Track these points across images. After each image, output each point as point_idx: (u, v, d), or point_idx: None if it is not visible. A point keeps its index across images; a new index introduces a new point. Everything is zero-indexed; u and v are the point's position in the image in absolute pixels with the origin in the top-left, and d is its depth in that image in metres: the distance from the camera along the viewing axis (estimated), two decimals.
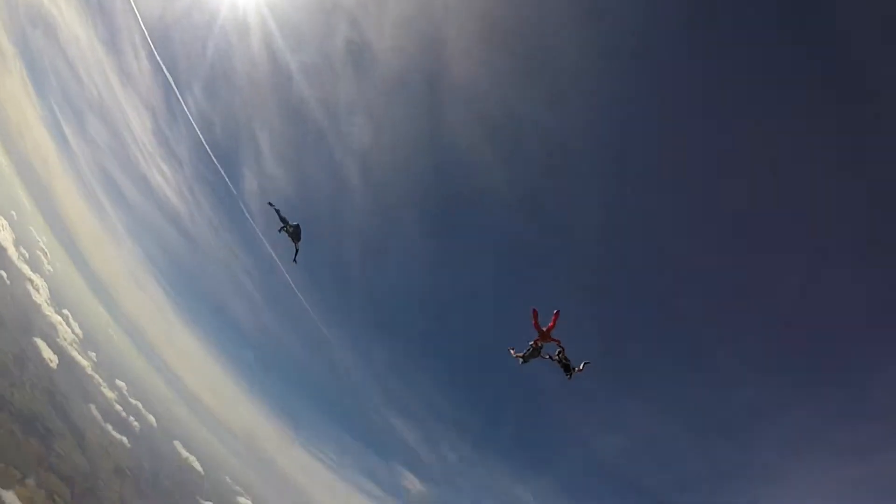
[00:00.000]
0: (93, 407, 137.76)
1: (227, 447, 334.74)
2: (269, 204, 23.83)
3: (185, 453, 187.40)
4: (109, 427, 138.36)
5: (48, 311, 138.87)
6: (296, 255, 24.48)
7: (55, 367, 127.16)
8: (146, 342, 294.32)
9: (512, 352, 22.99)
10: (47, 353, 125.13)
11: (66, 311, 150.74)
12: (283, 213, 23.75)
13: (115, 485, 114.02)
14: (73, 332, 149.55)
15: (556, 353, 22.23)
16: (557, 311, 21.18)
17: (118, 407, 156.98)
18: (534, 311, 21.23)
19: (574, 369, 22.11)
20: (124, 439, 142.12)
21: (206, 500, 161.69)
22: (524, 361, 22.65)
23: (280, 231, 24.00)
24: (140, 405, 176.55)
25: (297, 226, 23.90)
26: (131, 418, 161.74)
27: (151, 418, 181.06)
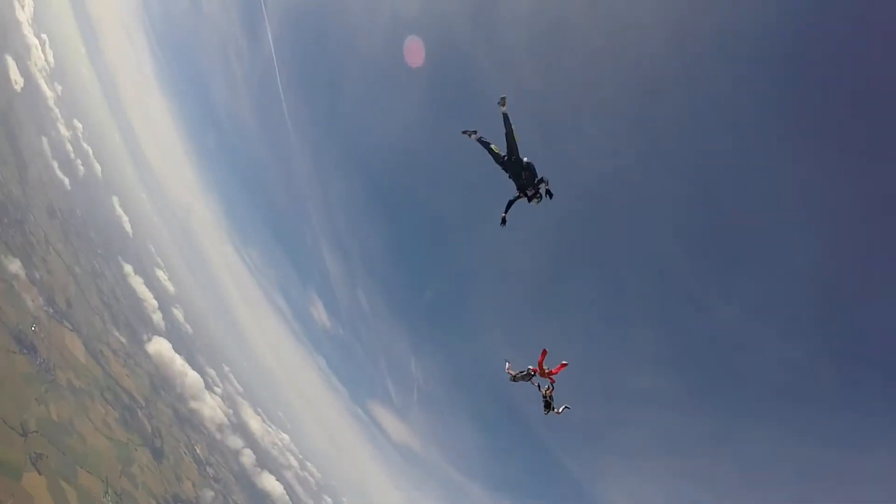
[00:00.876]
0: (45, 140, 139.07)
1: (161, 218, 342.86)
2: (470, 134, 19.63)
3: (119, 211, 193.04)
4: (55, 165, 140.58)
5: (28, 31, 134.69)
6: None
7: (19, 90, 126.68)
8: (116, 92, 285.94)
9: (507, 366, 23.83)
10: (14, 75, 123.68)
11: (44, 36, 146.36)
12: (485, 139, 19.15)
13: (44, 223, 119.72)
14: (46, 59, 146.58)
15: (546, 388, 22.88)
16: (566, 364, 22.50)
17: (69, 147, 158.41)
18: (544, 351, 22.29)
19: (554, 409, 22.80)
20: (66, 181, 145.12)
21: (128, 262, 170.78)
22: (513, 379, 23.49)
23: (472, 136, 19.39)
24: (91, 151, 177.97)
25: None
26: (79, 162, 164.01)
27: (98, 167, 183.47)
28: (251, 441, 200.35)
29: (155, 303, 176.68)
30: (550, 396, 22.69)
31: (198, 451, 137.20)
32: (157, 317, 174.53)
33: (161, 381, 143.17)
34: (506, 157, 18.93)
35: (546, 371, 22.46)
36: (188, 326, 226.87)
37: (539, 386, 22.90)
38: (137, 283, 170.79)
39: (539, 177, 19.10)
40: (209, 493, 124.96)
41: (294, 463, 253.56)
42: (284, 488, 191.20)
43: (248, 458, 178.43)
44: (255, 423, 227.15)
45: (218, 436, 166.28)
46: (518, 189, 19.33)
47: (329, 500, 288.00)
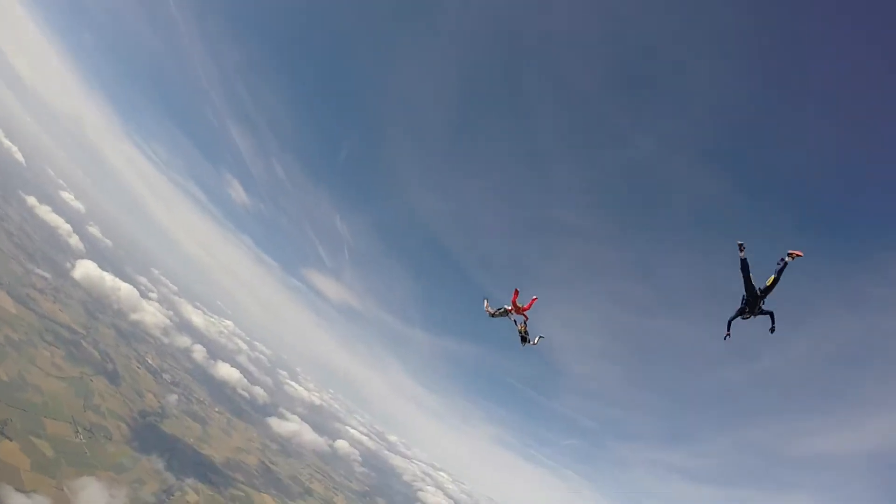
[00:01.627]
0: None
1: (52, 137, 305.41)
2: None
3: (6, 142, 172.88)
4: None
5: None
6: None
7: None
8: None
9: (486, 304, 24.95)
10: None
11: None
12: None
13: None
14: None
15: (521, 324, 24.15)
16: (535, 298, 23.68)
17: None
18: (516, 291, 23.46)
19: (529, 341, 24.20)
20: None
21: (29, 194, 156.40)
22: (491, 316, 24.81)
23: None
24: None
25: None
26: None
27: None
28: (198, 336, 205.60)
29: (68, 227, 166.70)
30: (525, 331, 24.25)
31: (150, 361, 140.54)
32: (74, 240, 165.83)
33: (96, 304, 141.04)
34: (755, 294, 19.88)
35: (520, 308, 23.90)
36: (108, 241, 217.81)
37: (515, 321, 24.38)
38: (45, 212, 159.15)
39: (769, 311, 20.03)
40: (172, 398, 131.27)
41: (243, 346, 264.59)
42: (240, 372, 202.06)
43: (199, 353, 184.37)
44: (197, 318, 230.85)
45: (165, 340, 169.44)
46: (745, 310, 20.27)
47: (284, 372, 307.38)
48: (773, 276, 19.21)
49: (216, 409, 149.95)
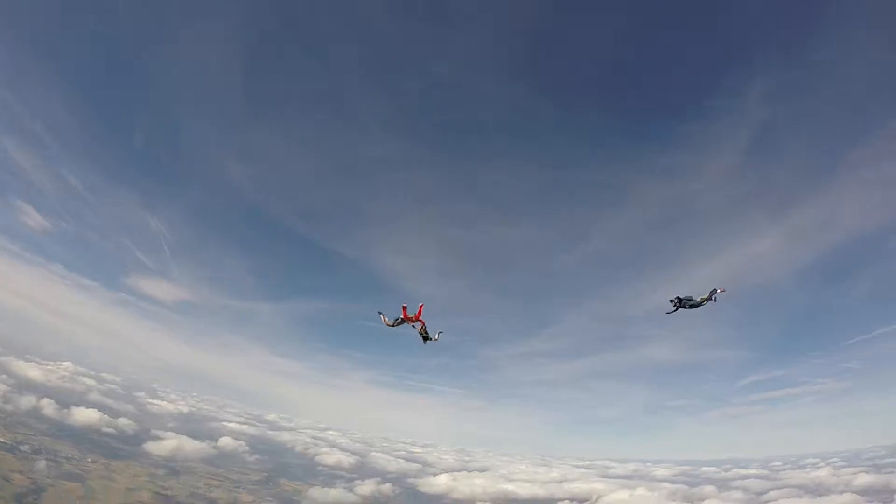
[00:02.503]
0: None
1: None
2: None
3: None
4: None
5: None
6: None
7: None
8: None
9: (383, 318, 27.07)
10: None
11: None
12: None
13: None
14: None
15: (419, 327, 26.82)
16: (422, 305, 26.20)
17: None
18: (404, 307, 26.09)
19: (431, 338, 27.00)
20: None
21: None
22: (390, 326, 26.96)
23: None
24: None
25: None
26: None
27: None
28: (41, 390, 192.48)
29: None
30: (424, 330, 27.08)
31: (2, 439, 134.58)
32: None
33: None
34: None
35: (411, 317, 26.61)
36: None
37: (414, 325, 27.09)
38: None
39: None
40: (40, 467, 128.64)
41: (91, 383, 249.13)
42: (98, 411, 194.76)
43: (48, 407, 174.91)
44: (33, 372, 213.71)
45: (8, 408, 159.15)
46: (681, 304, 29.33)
47: (142, 393, 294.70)
48: (703, 297, 28.55)
49: (89, 460, 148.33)
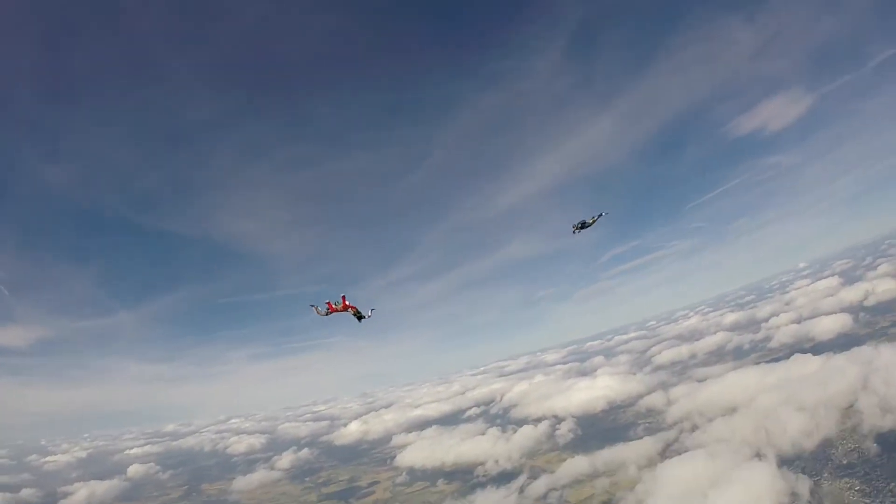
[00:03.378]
0: None
1: None
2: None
3: None
4: None
5: None
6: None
7: None
8: None
9: (315, 310, 28.41)
10: None
11: None
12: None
13: None
14: None
15: (351, 310, 28.10)
16: (343, 296, 27.93)
17: None
18: (328, 303, 27.83)
19: (364, 316, 28.93)
20: None
21: None
22: (325, 316, 28.48)
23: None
24: None
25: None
26: None
27: None
28: None
29: None
30: (356, 311, 28.56)
31: None
32: None
33: None
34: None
35: (338, 308, 28.20)
36: None
37: (346, 311, 28.36)
38: None
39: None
40: None
41: None
42: None
43: None
44: None
45: None
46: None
47: (33, 456, 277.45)
48: (593, 218, 36.28)
49: None
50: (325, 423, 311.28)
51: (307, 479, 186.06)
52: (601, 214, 36.34)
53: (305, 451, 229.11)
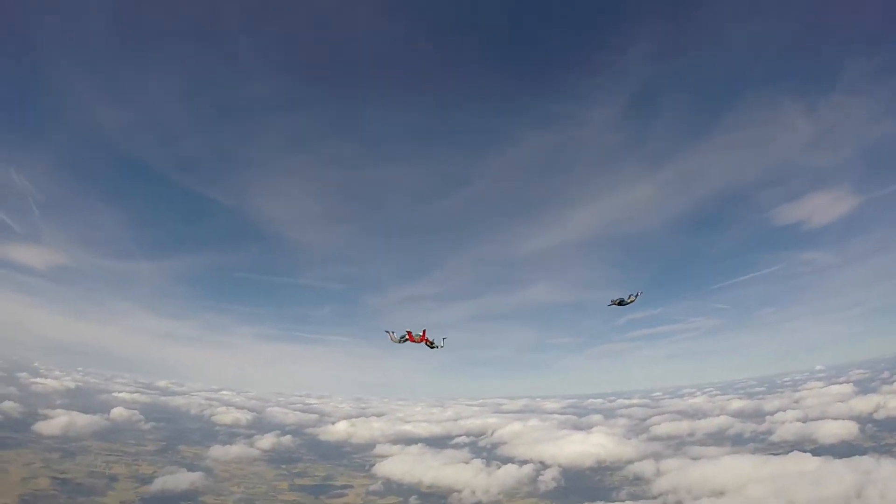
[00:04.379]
0: None
1: None
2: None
3: None
4: None
5: None
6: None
7: None
8: None
9: (390, 335, 29.07)
10: None
11: None
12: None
13: None
14: None
15: (427, 340, 28.77)
16: (424, 330, 28.34)
17: None
18: (408, 332, 28.34)
19: (436, 346, 29.22)
20: None
21: None
22: (398, 342, 29.13)
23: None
24: None
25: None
26: None
27: None
28: None
29: None
30: (429, 341, 29.20)
31: None
32: None
33: None
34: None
35: (416, 339, 29.19)
36: None
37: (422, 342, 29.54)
38: None
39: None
40: None
41: None
42: None
43: None
44: None
45: None
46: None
47: (23, 374, 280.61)
48: (631, 297, 34.41)
49: None
50: (313, 417, 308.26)
51: (283, 465, 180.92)
52: (638, 294, 35.15)
53: (288, 438, 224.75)
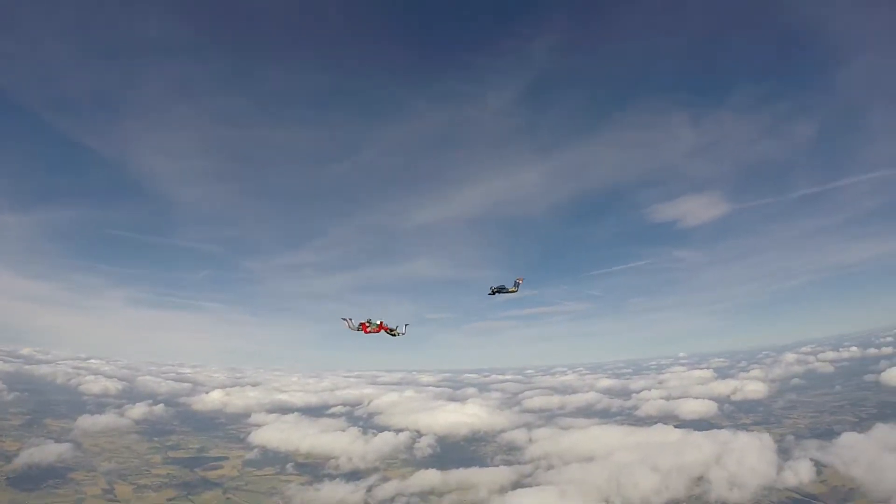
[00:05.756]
0: None
1: None
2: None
3: None
4: None
5: None
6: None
7: None
8: None
9: (347, 322, 28.55)
10: None
11: None
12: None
13: None
14: None
15: (385, 331, 28.38)
16: (381, 321, 28.07)
17: None
18: (363, 324, 27.93)
19: (397, 333, 29.12)
20: None
21: None
22: (355, 330, 28.65)
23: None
24: None
25: None
26: None
27: None
28: None
29: None
30: (389, 329, 28.65)
31: None
32: None
33: None
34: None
35: (373, 330, 28.66)
36: None
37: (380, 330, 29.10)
38: None
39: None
40: None
41: None
42: None
43: None
44: None
45: None
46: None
47: None
48: (511, 289, 33.58)
49: None
50: (186, 386, 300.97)
51: (156, 438, 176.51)
52: (518, 283, 34.10)
53: (161, 408, 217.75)
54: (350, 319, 28.90)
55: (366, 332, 28.91)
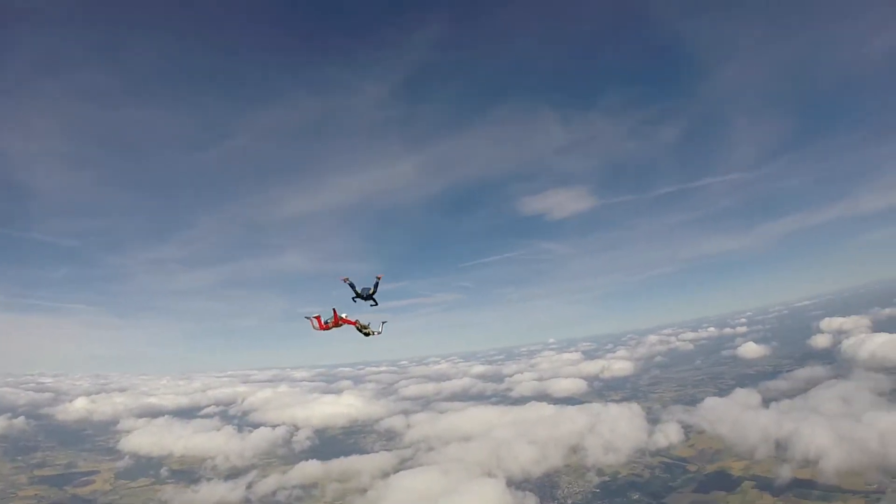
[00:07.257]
0: None
1: None
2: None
3: None
4: None
5: None
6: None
7: None
8: None
9: (311, 322, 24.52)
10: None
11: None
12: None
13: None
14: None
15: (356, 323, 24.51)
16: (334, 309, 24.08)
17: None
18: (317, 317, 24.28)
19: (372, 332, 25.10)
20: None
21: None
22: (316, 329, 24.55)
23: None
24: None
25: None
26: None
27: None
28: None
29: None
30: (362, 325, 24.96)
31: None
32: None
33: None
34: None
35: (329, 324, 24.34)
36: None
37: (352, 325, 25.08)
38: None
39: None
40: None
41: None
42: None
43: None
44: None
45: None
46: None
47: None
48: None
49: None
50: (48, 395, 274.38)
51: (19, 457, 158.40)
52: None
53: (21, 421, 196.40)
54: (318, 317, 24.87)
55: (322, 328, 24.81)
